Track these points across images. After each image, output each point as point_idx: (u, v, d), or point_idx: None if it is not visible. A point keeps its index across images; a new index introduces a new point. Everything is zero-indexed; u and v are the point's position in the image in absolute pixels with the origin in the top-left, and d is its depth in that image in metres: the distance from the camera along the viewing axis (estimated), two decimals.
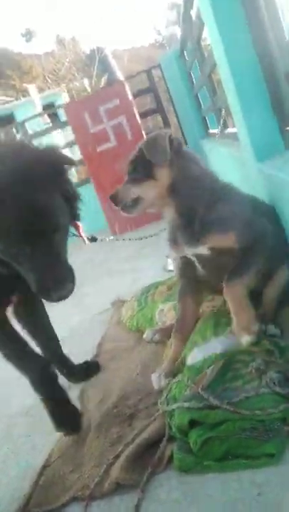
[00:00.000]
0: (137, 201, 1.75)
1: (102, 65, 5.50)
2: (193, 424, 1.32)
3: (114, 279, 3.66)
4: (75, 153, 7.65)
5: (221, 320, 1.69)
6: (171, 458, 1.35)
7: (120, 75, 5.65)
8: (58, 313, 2.19)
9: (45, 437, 1.74)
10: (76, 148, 6.07)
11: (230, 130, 3.36)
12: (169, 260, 3.00)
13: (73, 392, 1.93)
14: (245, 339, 1.46)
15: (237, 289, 1.53)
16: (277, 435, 1.24)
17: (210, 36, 2.45)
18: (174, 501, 1.22)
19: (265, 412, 1.24)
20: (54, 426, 1.64)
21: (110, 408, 1.72)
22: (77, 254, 5.27)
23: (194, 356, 1.57)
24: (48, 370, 1.69)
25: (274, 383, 1.31)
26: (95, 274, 4.05)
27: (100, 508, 1.31)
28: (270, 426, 1.25)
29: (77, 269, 4.58)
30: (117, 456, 1.43)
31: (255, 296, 1.70)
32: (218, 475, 1.25)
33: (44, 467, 1.55)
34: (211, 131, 5.35)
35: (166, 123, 6.45)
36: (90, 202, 6.33)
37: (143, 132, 5.46)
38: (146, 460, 1.38)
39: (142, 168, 1.71)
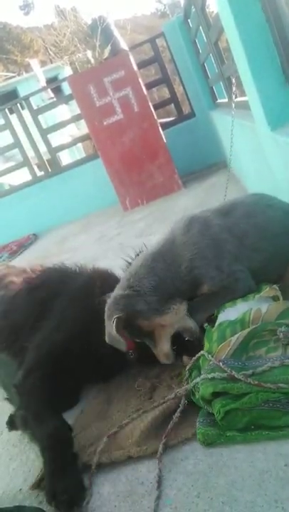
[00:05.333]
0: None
1: (105, 35, 5.33)
2: (216, 394, 1.33)
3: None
4: (81, 128, 7.56)
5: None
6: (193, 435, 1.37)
7: (124, 45, 5.49)
8: None
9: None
10: (83, 123, 5.99)
11: (239, 99, 3.29)
12: None
13: None
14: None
15: None
16: None
17: (217, 1, 2.37)
18: (200, 473, 1.24)
19: None
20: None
21: (131, 383, 1.74)
22: (90, 230, 5.29)
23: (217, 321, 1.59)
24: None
25: None
26: (108, 249, 4.06)
27: (127, 478, 1.34)
28: None
29: (91, 244, 4.59)
30: (128, 424, 1.48)
31: (276, 273, 1.73)
32: (243, 447, 1.26)
33: None
34: (219, 101, 5.24)
35: (173, 94, 6.33)
36: (99, 177, 6.36)
37: (150, 104, 5.37)
38: (160, 432, 1.41)
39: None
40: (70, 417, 1.72)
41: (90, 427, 1.61)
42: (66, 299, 1.99)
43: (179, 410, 1.43)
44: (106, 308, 1.64)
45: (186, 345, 1.64)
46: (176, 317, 1.63)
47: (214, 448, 1.31)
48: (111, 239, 4.47)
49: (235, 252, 1.68)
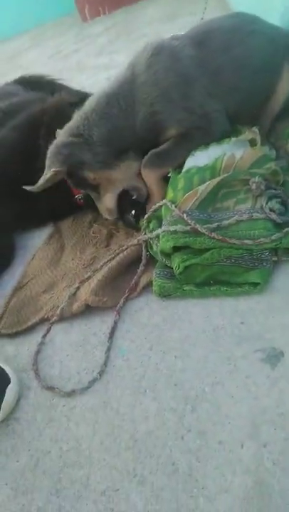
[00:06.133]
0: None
1: None
2: (176, 248, 1.23)
3: (85, 76, 3.24)
4: None
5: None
6: (148, 285, 1.32)
7: None
8: None
9: (19, 258, 1.68)
10: None
11: None
12: None
13: None
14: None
15: (153, 176, 1.42)
16: (263, 264, 1.18)
17: None
18: (154, 326, 1.21)
19: (255, 242, 1.15)
20: None
21: (86, 230, 1.63)
22: (44, 45, 4.64)
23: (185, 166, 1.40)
24: None
25: (272, 210, 1.20)
26: (63, 68, 3.58)
27: (80, 328, 1.31)
28: (257, 255, 1.18)
29: (44, 62, 4.00)
30: (88, 278, 1.39)
31: (252, 114, 1.50)
32: (200, 301, 1.22)
33: (16, 289, 1.51)
34: None
35: None
36: None
37: None
38: (120, 284, 1.35)
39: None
40: (21, 263, 1.64)
41: (43, 274, 1.54)
42: (11, 127, 1.78)
43: (142, 264, 1.35)
44: (47, 156, 1.42)
45: (134, 204, 1.50)
46: (126, 174, 1.44)
47: (170, 300, 1.27)
48: (67, 56, 3.93)
49: (208, 91, 1.40)
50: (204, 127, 1.39)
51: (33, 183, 1.54)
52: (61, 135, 1.44)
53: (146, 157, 1.40)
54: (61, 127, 1.51)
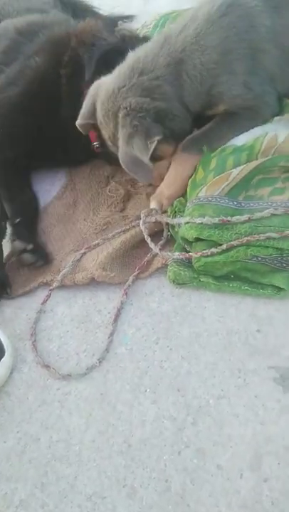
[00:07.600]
0: None
1: None
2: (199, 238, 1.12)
3: None
4: None
5: None
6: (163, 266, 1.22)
7: None
8: None
9: None
10: None
11: None
12: None
13: None
14: (153, 204, 1.27)
15: (191, 162, 1.25)
16: None
17: None
18: (164, 315, 1.13)
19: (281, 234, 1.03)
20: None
21: (103, 187, 1.48)
22: None
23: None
24: None
25: None
26: None
27: (84, 302, 1.22)
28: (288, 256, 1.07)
29: None
30: (96, 246, 1.30)
31: None
32: (215, 296, 1.13)
33: None
34: None
35: None
36: None
37: None
38: (132, 260, 1.25)
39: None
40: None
41: (50, 233, 1.42)
42: (31, 54, 1.57)
43: (160, 243, 1.23)
44: (134, 121, 1.16)
45: None
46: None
47: (183, 288, 1.17)
48: None
49: (273, 70, 1.21)
50: (255, 109, 1.21)
51: (54, 120, 1.46)
52: (133, 91, 1.18)
53: (184, 141, 1.24)
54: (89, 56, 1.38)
